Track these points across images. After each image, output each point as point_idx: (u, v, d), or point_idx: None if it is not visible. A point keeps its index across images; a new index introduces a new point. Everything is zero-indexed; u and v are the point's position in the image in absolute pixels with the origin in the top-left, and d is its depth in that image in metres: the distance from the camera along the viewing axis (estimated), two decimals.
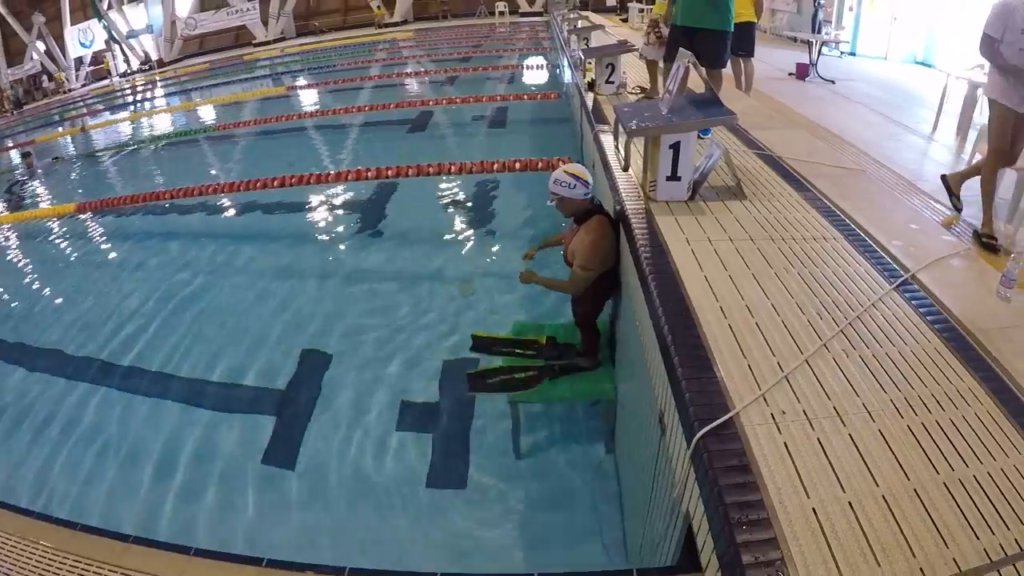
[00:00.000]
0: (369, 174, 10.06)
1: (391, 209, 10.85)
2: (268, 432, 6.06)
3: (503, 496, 5.17)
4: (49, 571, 4.60)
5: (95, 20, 33.33)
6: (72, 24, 32.65)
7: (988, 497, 2.28)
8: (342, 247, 9.83)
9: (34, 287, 9.87)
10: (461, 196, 11.03)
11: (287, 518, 5.17)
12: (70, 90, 31.35)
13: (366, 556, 4.72)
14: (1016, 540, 2.13)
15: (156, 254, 10.11)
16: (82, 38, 33.05)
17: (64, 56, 31.93)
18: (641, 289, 3.90)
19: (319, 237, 10.36)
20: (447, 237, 9.71)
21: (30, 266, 10.82)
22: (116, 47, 34.63)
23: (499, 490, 5.22)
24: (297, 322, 7.72)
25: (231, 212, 11.66)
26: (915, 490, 2.29)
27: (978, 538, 2.13)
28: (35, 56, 30.64)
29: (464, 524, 4.96)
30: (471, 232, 9.77)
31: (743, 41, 10.06)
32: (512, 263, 8.11)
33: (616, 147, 6.17)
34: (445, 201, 10.92)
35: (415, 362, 6.77)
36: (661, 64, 8.50)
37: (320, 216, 11.12)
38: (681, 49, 5.29)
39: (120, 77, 33.73)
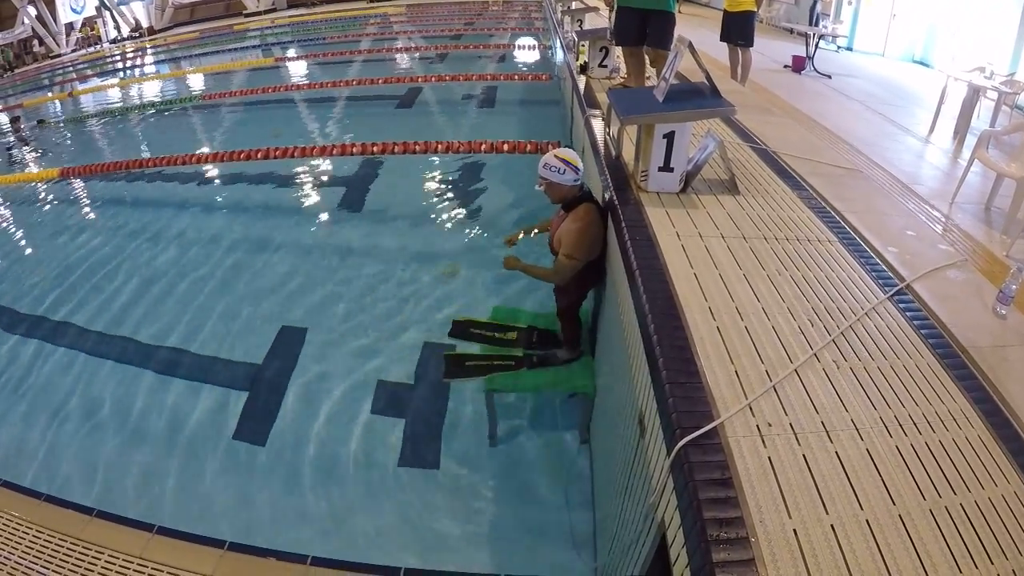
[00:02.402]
0: (354, 149, 9.91)
1: (376, 186, 10.68)
2: (240, 407, 5.96)
3: (474, 485, 5.09)
4: (11, 541, 4.52)
5: None
6: None
7: (974, 528, 2.19)
8: (324, 222, 9.68)
9: (11, 250, 9.67)
10: (447, 176, 10.88)
11: (254, 496, 5.08)
12: (59, 55, 30.99)
13: (330, 540, 4.64)
14: (998, 575, 2.05)
15: (137, 221, 9.94)
16: (73, 4, 32.46)
17: (55, 21, 31.46)
18: (627, 283, 3.78)
19: (301, 211, 10.19)
20: (431, 217, 9.55)
21: (8, 229, 10.61)
22: (107, 13, 34.21)
23: (470, 478, 5.14)
24: (275, 296, 7.60)
25: (214, 182, 11.47)
26: (900, 516, 2.20)
27: (960, 571, 2.04)
28: (26, 21, 30.19)
29: (432, 512, 4.87)
30: (456, 213, 9.62)
31: (743, 30, 9.95)
32: (497, 247, 8.00)
33: (608, 133, 6.05)
34: (431, 180, 10.76)
35: (393, 342, 6.67)
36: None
37: (303, 190, 10.95)
38: (679, 35, 5.17)
39: (110, 43, 33.30)
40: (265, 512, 4.92)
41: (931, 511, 2.23)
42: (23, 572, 4.30)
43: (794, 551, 2.07)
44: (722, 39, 10.43)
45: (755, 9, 9.87)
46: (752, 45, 10.00)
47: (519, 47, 19.90)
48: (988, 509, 2.25)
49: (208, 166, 11.66)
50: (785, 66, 12.53)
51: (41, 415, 6.03)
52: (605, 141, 5.99)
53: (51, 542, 4.51)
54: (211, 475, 5.28)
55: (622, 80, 8.64)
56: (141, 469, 5.36)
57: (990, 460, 2.46)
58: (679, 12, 7.08)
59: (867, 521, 2.17)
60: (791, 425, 2.55)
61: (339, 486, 5.12)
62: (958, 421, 2.63)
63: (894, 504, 2.24)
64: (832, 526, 2.15)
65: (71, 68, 27.36)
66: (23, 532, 4.59)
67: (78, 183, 11.89)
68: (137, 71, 25.40)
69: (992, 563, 2.07)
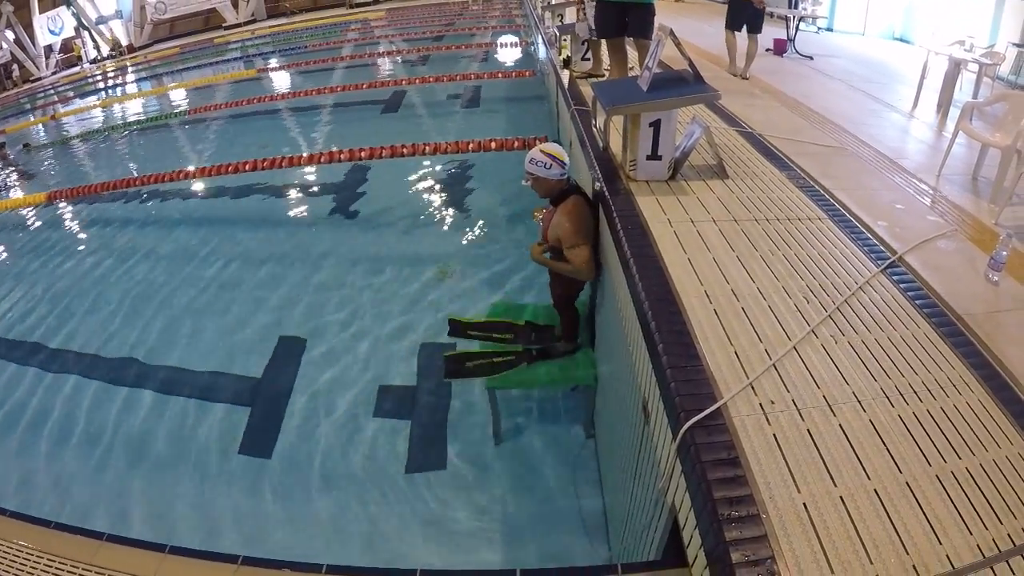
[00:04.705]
0: (342, 156, 9.89)
1: (365, 191, 10.68)
2: (244, 421, 5.96)
3: (482, 484, 5.11)
4: (23, 571, 4.50)
5: (64, 7, 32.79)
6: (40, 12, 31.99)
7: (980, 490, 2.23)
8: (316, 231, 9.65)
9: (5, 278, 9.58)
10: (436, 177, 10.89)
11: (264, 509, 5.08)
12: (39, 78, 30.91)
13: (343, 548, 4.65)
14: (1009, 535, 2.08)
15: (128, 241, 9.91)
16: (51, 25, 32.34)
17: (33, 44, 31.36)
18: (622, 272, 3.80)
19: (292, 221, 10.17)
20: (423, 219, 9.58)
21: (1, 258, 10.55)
22: (85, 33, 34.09)
23: (478, 477, 5.17)
24: (271, 308, 7.59)
25: (203, 197, 11.44)
26: (907, 483, 2.24)
27: (971, 533, 2.08)
28: (4, 45, 30.10)
29: (443, 513, 4.89)
30: (447, 214, 9.65)
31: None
32: (489, 244, 8.06)
33: (594, 125, 6.07)
34: (420, 182, 10.77)
35: (392, 346, 6.67)
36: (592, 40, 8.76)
37: (293, 200, 10.93)
38: (660, 23, 5.19)
39: (90, 63, 33.16)
40: (276, 524, 4.93)
41: (938, 476, 2.26)
42: None
43: (805, 524, 2.10)
44: None
45: None
46: (728, 27, 9.96)
47: (501, 45, 19.85)
48: (993, 471, 2.29)
49: (196, 181, 11.61)
50: (767, 49, 12.51)
51: (42, 442, 6.00)
52: (592, 133, 6.00)
53: (63, 569, 4.48)
54: (220, 491, 5.28)
55: (606, 71, 8.69)
56: (149, 490, 5.35)
57: (992, 423, 2.49)
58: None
59: (875, 490, 2.21)
60: (793, 401, 2.58)
61: (349, 493, 5.13)
62: (958, 387, 2.67)
63: (900, 472, 2.27)
64: (841, 497, 2.19)
65: (52, 91, 27.22)
66: (34, 562, 4.57)
67: (67, 206, 11.82)
68: (119, 90, 25.23)
69: (1001, 523, 2.11)
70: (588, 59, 9.20)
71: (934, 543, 2.04)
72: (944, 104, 7.77)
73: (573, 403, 5.63)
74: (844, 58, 11.69)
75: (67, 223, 11.34)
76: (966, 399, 2.61)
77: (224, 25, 35.40)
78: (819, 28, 15.08)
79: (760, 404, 2.57)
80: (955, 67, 7.86)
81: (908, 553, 2.02)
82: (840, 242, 3.84)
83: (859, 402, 2.57)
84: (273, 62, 23.62)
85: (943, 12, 11.99)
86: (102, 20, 34.85)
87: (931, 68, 8.32)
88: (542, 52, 13.49)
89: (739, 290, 3.34)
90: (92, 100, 22.94)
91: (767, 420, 2.50)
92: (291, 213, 10.49)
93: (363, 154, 9.71)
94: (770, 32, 12.71)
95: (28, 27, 31.14)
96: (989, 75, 8.30)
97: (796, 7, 13.15)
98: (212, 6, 35.66)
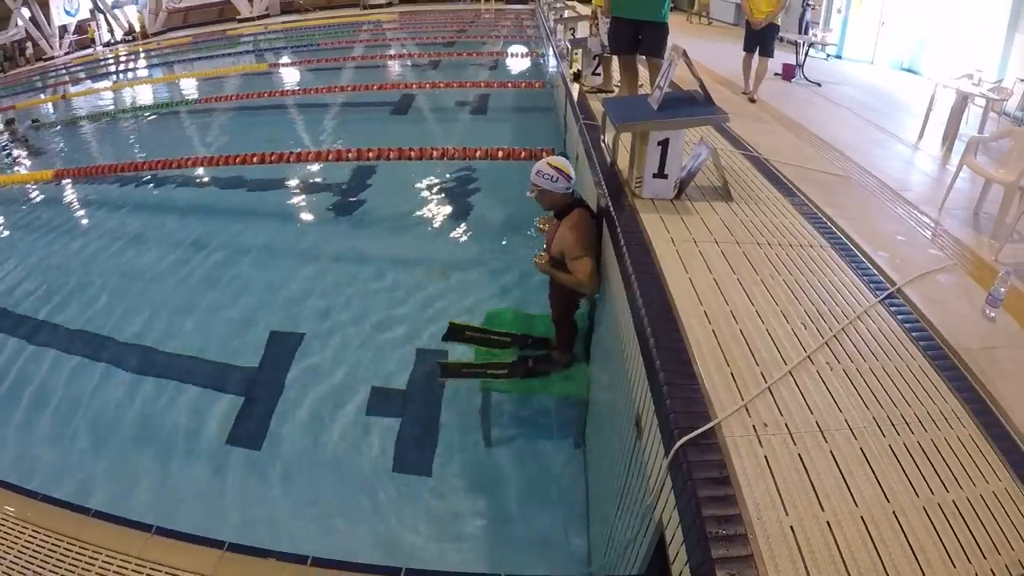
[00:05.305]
0: (350, 155, 9.91)
1: (370, 191, 10.73)
2: (235, 412, 5.97)
3: (469, 487, 5.13)
4: (7, 541, 4.50)
5: None
6: None
7: (966, 524, 2.24)
8: (319, 228, 9.70)
9: (4, 252, 9.62)
10: (442, 182, 10.92)
11: (251, 499, 5.10)
12: (52, 58, 30.99)
13: (328, 541, 4.66)
14: (992, 570, 2.10)
15: (131, 225, 9.94)
16: (67, 6, 32.41)
17: (49, 23, 31.47)
18: (623, 288, 3.83)
19: (297, 216, 10.24)
20: (426, 222, 9.63)
21: (3, 231, 10.56)
22: (101, 16, 34.21)
23: (465, 481, 5.18)
24: (270, 301, 7.62)
25: (208, 187, 11.48)
26: (894, 513, 2.26)
27: (955, 566, 2.10)
28: (19, 22, 30.16)
29: (428, 514, 4.91)
30: (450, 219, 9.68)
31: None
32: (490, 252, 8.08)
33: (602, 141, 6.10)
34: (425, 186, 10.80)
35: (388, 347, 6.70)
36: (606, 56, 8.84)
37: (298, 195, 10.97)
38: (674, 44, 5.23)
39: (103, 47, 33.27)
40: (263, 514, 4.94)
41: (925, 508, 2.28)
42: (19, 571, 4.30)
43: (791, 547, 2.12)
44: None
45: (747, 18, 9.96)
46: (745, 50, 10.04)
47: (511, 55, 19.94)
48: (980, 506, 2.31)
49: (202, 170, 11.67)
50: (776, 74, 12.57)
51: (29, 418, 6.03)
52: (600, 148, 6.04)
53: (47, 541, 4.48)
54: (208, 478, 5.30)
55: (616, 87, 8.73)
56: (139, 472, 5.37)
57: (981, 458, 2.52)
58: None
59: (862, 518, 2.23)
60: (786, 425, 2.61)
61: (336, 487, 5.16)
62: (949, 421, 2.69)
63: (888, 501, 2.29)
64: (828, 523, 2.20)
65: (64, 71, 27.23)
66: (19, 531, 4.57)
67: (72, 185, 11.88)
68: (130, 75, 25.29)
69: (985, 558, 2.13)
70: (599, 74, 9.25)
71: (917, 573, 2.06)
72: (950, 137, 7.81)
73: (565, 414, 5.64)
74: (852, 86, 11.76)
75: (72, 202, 11.39)
76: (957, 433, 2.63)
77: (238, 18, 35.46)
78: (828, 55, 15.13)
79: (753, 426, 2.60)
80: (962, 100, 7.92)
81: None
82: (840, 271, 3.87)
83: (851, 429, 2.59)
84: (284, 58, 23.68)
85: (952, 45, 12.06)
86: (118, 5, 34.96)
87: (938, 100, 8.36)
88: (552, 65, 13.55)
89: (738, 312, 3.37)
90: (103, 83, 22.99)
91: (759, 442, 2.52)
92: (296, 208, 10.55)
93: (371, 154, 9.73)
94: (779, 57, 12.76)
95: (44, 6, 31.18)
96: (996, 110, 8.36)
97: (806, 33, 13.21)
98: None
